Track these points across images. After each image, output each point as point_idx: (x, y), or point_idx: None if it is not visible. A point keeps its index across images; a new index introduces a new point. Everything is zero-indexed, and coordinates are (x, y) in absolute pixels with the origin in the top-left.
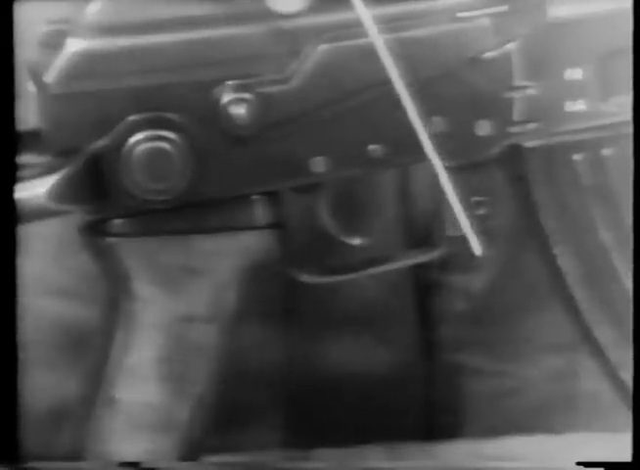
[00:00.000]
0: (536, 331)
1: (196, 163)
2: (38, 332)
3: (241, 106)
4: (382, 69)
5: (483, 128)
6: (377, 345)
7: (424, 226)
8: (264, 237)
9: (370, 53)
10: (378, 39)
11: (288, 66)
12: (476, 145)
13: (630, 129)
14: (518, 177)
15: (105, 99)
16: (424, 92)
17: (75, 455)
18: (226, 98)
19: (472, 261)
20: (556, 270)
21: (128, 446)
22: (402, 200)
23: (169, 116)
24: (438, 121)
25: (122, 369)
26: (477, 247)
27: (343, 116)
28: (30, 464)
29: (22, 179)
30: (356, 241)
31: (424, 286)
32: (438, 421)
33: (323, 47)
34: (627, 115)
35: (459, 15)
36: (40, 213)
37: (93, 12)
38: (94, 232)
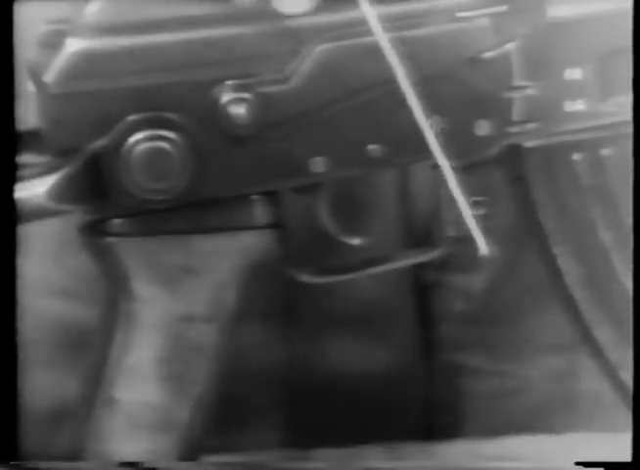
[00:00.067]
0: (536, 331)
1: (195, 162)
2: (38, 332)
3: (240, 105)
4: (381, 68)
5: (483, 128)
6: (376, 345)
7: (423, 226)
8: (264, 237)
9: (370, 52)
10: (383, 38)
11: (287, 65)
12: (475, 145)
13: (630, 129)
14: (517, 177)
15: (104, 99)
16: (423, 92)
17: (75, 455)
18: (226, 98)
19: (471, 261)
20: (555, 270)
21: (128, 445)
22: (402, 200)
23: (169, 115)
24: (438, 121)
25: (122, 369)
26: (483, 247)
27: (343, 115)
28: (30, 464)
29: (21, 179)
30: (356, 241)
31: (423, 286)
32: (438, 421)
33: (322, 47)
34: (627, 115)
35: (458, 15)
36: (40, 213)
37: (92, 12)
38: (93, 232)
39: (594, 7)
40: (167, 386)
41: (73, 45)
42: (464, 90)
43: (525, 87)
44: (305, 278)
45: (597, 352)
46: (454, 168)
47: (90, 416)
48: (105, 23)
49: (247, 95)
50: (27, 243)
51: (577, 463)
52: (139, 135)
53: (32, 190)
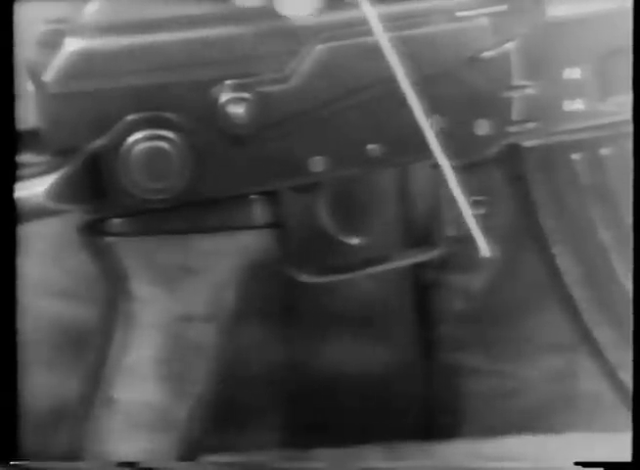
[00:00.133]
0: (536, 331)
1: (194, 162)
2: (37, 332)
3: (239, 105)
4: (380, 68)
5: (482, 128)
6: (376, 344)
7: (423, 226)
8: (263, 236)
9: (369, 52)
10: (383, 38)
11: (286, 65)
12: (474, 144)
13: (629, 129)
14: (516, 177)
15: (103, 98)
16: (423, 91)
17: (74, 455)
18: (225, 97)
19: (471, 261)
20: (555, 270)
21: (127, 445)
22: (401, 199)
23: (168, 115)
24: (437, 121)
25: (121, 369)
26: (483, 247)
27: (342, 115)
28: (29, 463)
29: (20, 178)
30: (355, 240)
31: (423, 285)
32: (438, 421)
33: (321, 46)
34: (626, 114)
35: (458, 14)
36: (39, 213)
37: (91, 11)
38: (92, 231)
39: (593, 7)
40: (166, 386)
41: (72, 45)
42: (463, 90)
43: (524, 87)
44: (305, 278)
45: (596, 352)
46: (454, 168)
47: (89, 416)
48: (103, 22)
49: (246, 95)
50: (27, 243)
51: (577, 463)
52: (138, 135)
53: (31, 189)
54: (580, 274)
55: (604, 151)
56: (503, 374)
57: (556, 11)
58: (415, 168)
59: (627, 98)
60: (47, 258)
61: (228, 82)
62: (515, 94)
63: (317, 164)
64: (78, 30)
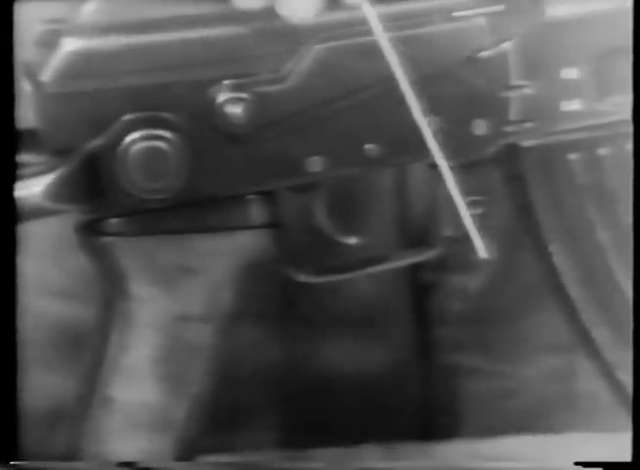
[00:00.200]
0: (534, 331)
1: (192, 162)
2: (36, 332)
3: (237, 105)
4: (379, 67)
5: (480, 127)
6: (374, 344)
7: (421, 226)
8: (260, 236)
9: (366, 52)
10: (382, 38)
11: (284, 65)
12: (472, 144)
13: (627, 129)
14: (514, 176)
15: (101, 98)
16: (420, 91)
17: (72, 455)
18: (222, 97)
19: (469, 261)
20: (552, 270)
21: (125, 445)
22: (399, 199)
23: (165, 115)
24: (435, 120)
25: (119, 369)
26: (481, 247)
27: (340, 115)
28: (29, 463)
29: (19, 178)
30: (353, 240)
31: (421, 286)
32: (436, 421)
33: (319, 46)
34: (623, 114)
35: (455, 14)
36: (36, 213)
37: (89, 11)
38: (90, 231)
39: (590, 6)
40: (164, 385)
41: (70, 45)
42: (461, 89)
43: (522, 87)
44: (302, 278)
45: (594, 351)
46: (451, 168)
47: (87, 416)
48: (101, 22)
49: (243, 94)
50: (26, 243)
51: (577, 463)
52: (135, 135)
53: (29, 189)
54: (578, 274)
55: (601, 151)
56: (502, 374)
57: (553, 11)
58: (413, 168)
59: (625, 98)
60: (46, 257)
61: (226, 82)
62: (512, 94)
63: (315, 163)
64: (76, 30)
